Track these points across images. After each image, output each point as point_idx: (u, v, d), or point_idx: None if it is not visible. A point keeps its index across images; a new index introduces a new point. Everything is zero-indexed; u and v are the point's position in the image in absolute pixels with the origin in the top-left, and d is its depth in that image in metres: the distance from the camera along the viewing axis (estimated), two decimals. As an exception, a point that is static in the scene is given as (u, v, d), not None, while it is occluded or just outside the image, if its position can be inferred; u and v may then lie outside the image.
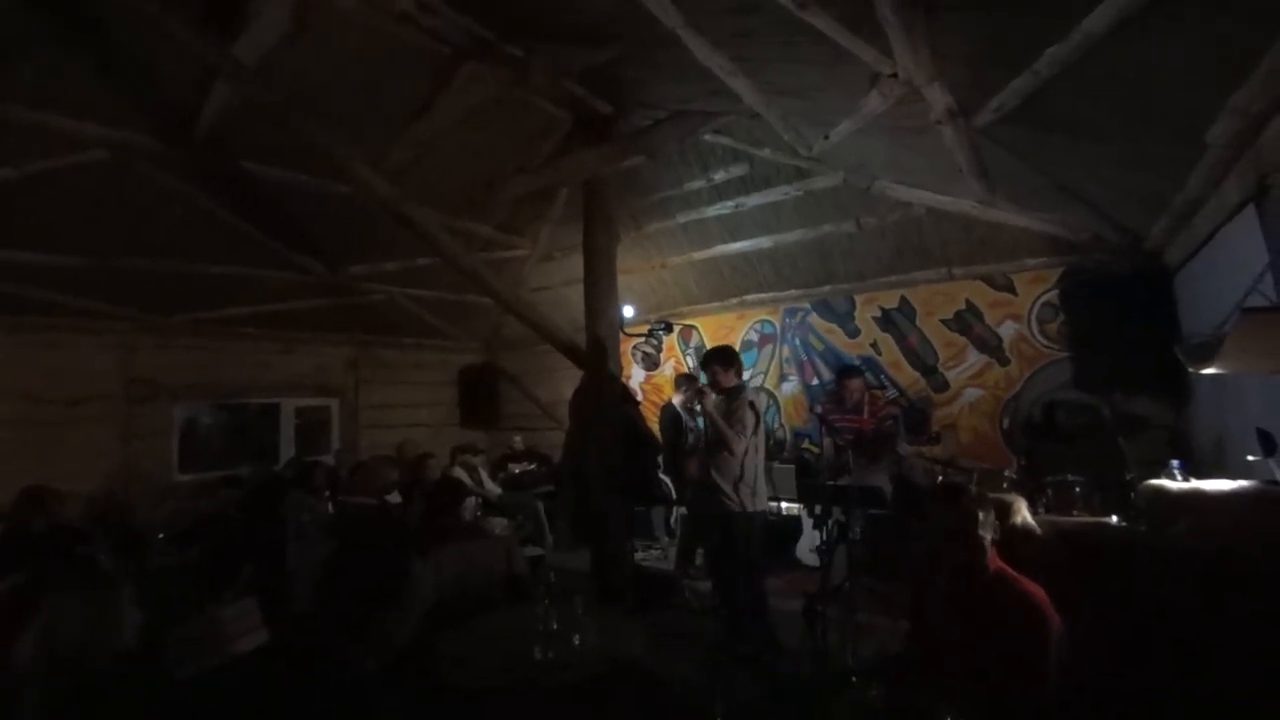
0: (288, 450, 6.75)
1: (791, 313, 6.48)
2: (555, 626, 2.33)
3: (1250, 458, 2.50)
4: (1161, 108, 2.44)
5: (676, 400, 5.62)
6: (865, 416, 4.72)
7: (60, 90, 3.42)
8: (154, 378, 5.76)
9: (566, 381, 6.72)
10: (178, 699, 2.20)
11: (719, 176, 5.39)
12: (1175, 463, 2.77)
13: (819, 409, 5.28)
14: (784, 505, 5.69)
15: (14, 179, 3.76)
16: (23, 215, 4.11)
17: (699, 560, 5.02)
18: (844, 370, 5.14)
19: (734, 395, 3.74)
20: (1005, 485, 3.76)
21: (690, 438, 5.27)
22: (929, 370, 5.56)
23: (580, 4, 3.29)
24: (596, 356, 4.38)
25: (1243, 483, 2.29)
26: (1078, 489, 3.32)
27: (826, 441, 4.73)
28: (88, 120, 3.64)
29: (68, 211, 4.20)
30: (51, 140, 3.66)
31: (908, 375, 5.68)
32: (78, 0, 3.05)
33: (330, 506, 4.51)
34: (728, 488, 3.64)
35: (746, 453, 3.65)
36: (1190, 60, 2.09)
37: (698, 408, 4.01)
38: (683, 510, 5.56)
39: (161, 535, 4.46)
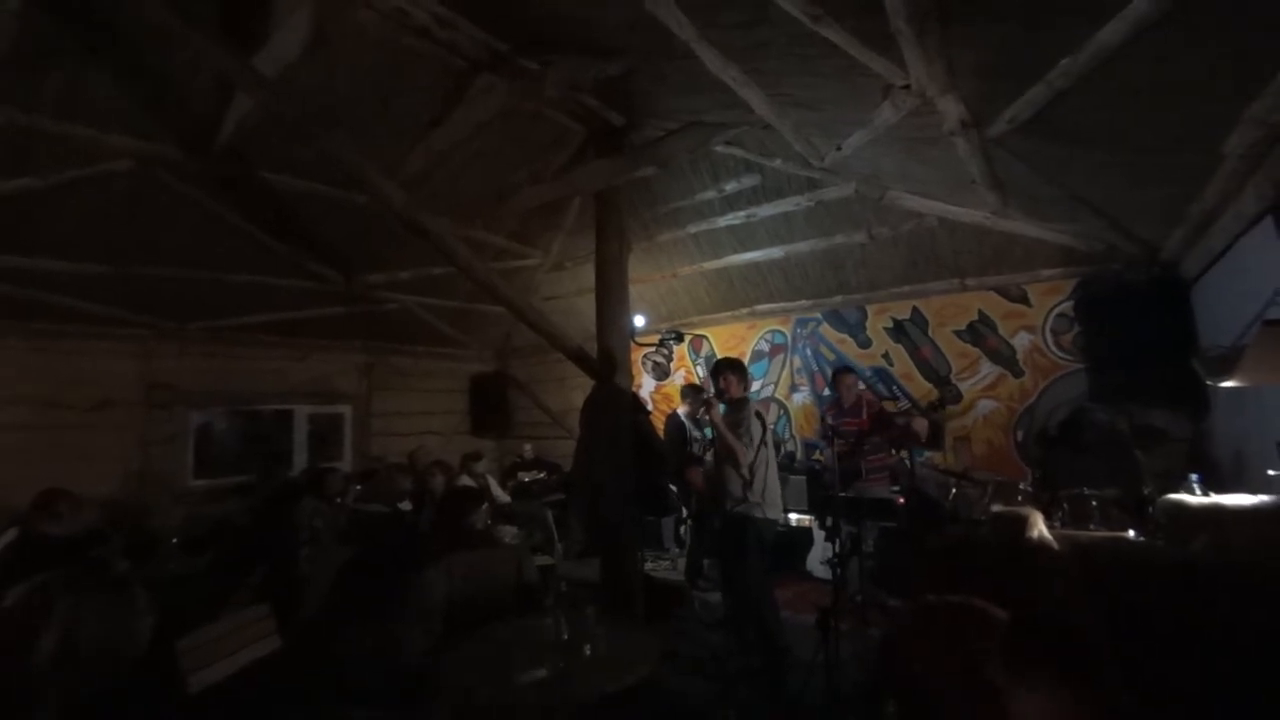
0: (301, 456, 6.81)
1: (802, 323, 6.47)
2: (566, 637, 2.32)
3: (1271, 472, 2.47)
4: (1177, 118, 2.42)
5: (682, 411, 5.61)
6: (863, 417, 4.71)
7: (85, 102, 3.49)
8: (171, 384, 5.84)
9: (577, 390, 6.74)
10: (189, 706, 2.21)
11: (730, 187, 5.40)
12: (1194, 477, 2.74)
13: (823, 415, 5.29)
14: (795, 517, 5.66)
15: (39, 188, 3.83)
16: (46, 224, 4.18)
17: (707, 571, 4.99)
18: (837, 370, 5.16)
19: (740, 406, 3.85)
20: (1020, 498, 3.72)
21: (696, 448, 5.27)
22: (942, 381, 5.52)
23: (594, 17, 3.32)
24: (607, 366, 4.39)
25: (1264, 498, 2.25)
26: (1094, 503, 3.28)
27: (828, 450, 4.73)
28: (112, 131, 3.71)
29: (89, 220, 4.27)
30: (76, 151, 3.73)
31: (920, 386, 5.64)
32: (103, 13, 3.12)
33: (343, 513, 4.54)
34: (737, 496, 3.68)
35: (755, 462, 3.71)
36: (1207, 71, 2.08)
37: (702, 417, 4.05)
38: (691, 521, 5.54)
39: (175, 539, 4.50)
